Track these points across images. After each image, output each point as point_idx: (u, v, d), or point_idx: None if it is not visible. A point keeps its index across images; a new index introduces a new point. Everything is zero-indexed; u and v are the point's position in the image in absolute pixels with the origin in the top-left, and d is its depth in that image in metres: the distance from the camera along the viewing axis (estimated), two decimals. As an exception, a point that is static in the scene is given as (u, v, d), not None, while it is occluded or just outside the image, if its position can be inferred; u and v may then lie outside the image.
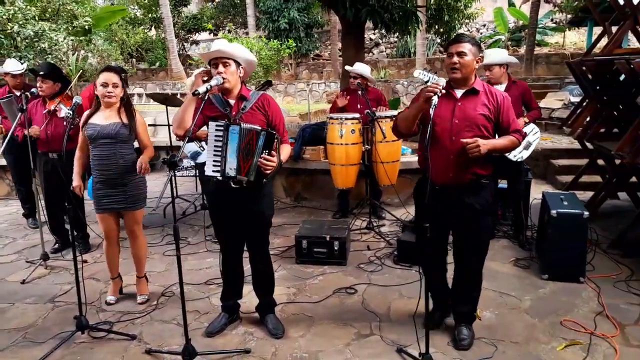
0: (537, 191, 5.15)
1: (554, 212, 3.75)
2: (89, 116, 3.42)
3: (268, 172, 2.84)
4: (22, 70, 5.29)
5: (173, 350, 2.97)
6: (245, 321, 3.36)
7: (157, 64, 20.56)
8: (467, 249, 2.98)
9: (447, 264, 3.18)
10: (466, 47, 2.74)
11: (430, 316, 3.07)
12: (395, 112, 5.24)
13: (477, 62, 2.80)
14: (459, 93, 2.84)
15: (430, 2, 14.98)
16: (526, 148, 4.39)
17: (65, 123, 3.31)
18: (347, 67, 5.56)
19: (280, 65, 17.13)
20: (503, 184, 4.74)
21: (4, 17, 7.29)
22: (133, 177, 3.46)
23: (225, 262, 3.24)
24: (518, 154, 4.38)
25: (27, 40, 7.58)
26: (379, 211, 5.57)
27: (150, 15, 20.74)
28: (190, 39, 22.81)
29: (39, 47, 7.60)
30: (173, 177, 2.80)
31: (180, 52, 20.88)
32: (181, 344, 2.88)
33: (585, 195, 5.58)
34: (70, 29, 8.84)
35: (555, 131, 8.48)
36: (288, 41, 15.97)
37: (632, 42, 9.82)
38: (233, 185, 2.91)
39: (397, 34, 7.39)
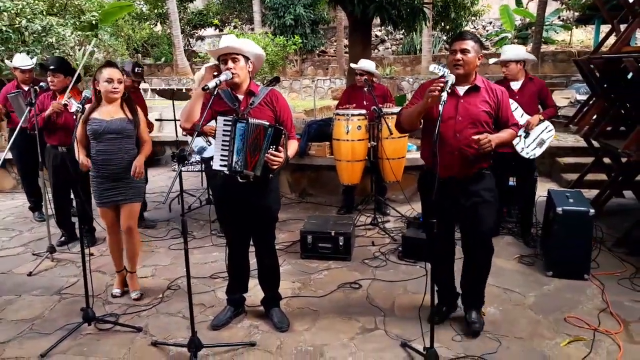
0: (542, 189, 5.15)
1: (559, 209, 3.75)
2: (90, 111, 3.43)
3: (275, 167, 2.86)
4: (30, 66, 5.31)
5: (179, 343, 3.00)
6: (251, 314, 3.38)
7: (163, 59, 20.61)
8: (472, 239, 3.02)
9: (454, 260, 3.20)
10: (469, 45, 2.79)
11: (437, 310, 3.11)
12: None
13: (480, 59, 2.85)
14: (461, 90, 2.89)
15: (437, -2, 14.93)
16: (539, 145, 4.38)
17: (75, 117, 3.32)
18: (353, 65, 5.57)
19: (286, 61, 17.13)
20: (513, 181, 4.73)
21: (12, 11, 7.31)
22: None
23: (231, 256, 3.26)
24: (531, 151, 4.37)
25: (34, 35, 7.60)
26: (384, 207, 5.58)
27: (156, 10, 20.77)
28: (196, 34, 22.86)
29: (46, 42, 7.61)
30: (180, 171, 2.81)
31: (186, 48, 20.94)
32: (187, 337, 2.91)
33: (591, 194, 5.57)
34: (78, 24, 8.85)
35: (561, 129, 8.43)
36: (294, 37, 15.95)
37: None
38: (240, 180, 2.93)
39: (404, 30, 7.36)
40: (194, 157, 7.15)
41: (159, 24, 21.65)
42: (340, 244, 4.28)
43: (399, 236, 4.65)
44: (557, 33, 18.69)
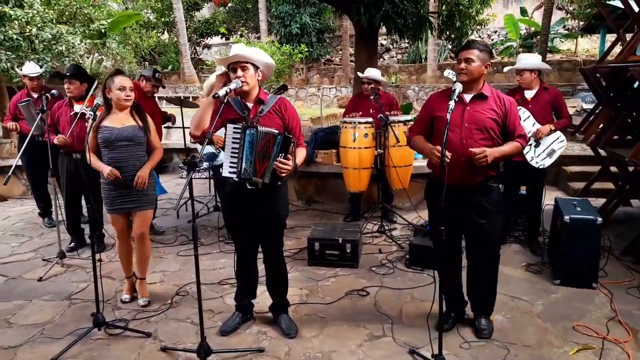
0: (549, 197, 5.14)
1: (567, 217, 3.76)
2: (101, 119, 3.47)
3: (283, 175, 2.88)
4: (39, 73, 5.37)
5: (188, 348, 3.02)
6: (259, 321, 3.40)
7: (170, 67, 20.77)
8: (479, 250, 3.04)
9: (461, 267, 3.21)
10: (474, 54, 2.84)
11: (445, 318, 3.11)
12: (408, 117, 5.29)
13: (486, 67, 2.88)
14: (467, 97, 2.92)
15: (442, 8, 15.01)
16: (549, 155, 4.37)
17: (87, 124, 3.37)
18: (359, 74, 5.60)
19: (292, 69, 17.23)
20: (523, 190, 4.73)
21: (23, 20, 7.40)
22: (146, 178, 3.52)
23: (240, 262, 3.28)
24: (540, 161, 4.36)
25: (44, 43, 7.69)
26: (391, 215, 5.59)
27: (163, 19, 20.96)
28: (203, 42, 23.04)
29: (56, 50, 7.70)
30: (191, 178, 2.84)
31: (193, 56, 21.11)
32: (195, 342, 2.94)
33: (598, 202, 5.57)
34: (87, 32, 8.95)
35: (567, 138, 8.40)
36: (300, 46, 16.07)
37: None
38: (248, 187, 2.96)
39: (409, 39, 7.42)
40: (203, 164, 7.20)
41: (166, 32, 21.84)
42: (348, 251, 4.30)
43: (406, 244, 4.66)
44: (563, 42, 18.73)
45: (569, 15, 17.33)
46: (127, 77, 3.49)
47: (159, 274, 4.23)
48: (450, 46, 18.97)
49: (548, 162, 4.39)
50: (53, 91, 4.46)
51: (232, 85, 2.82)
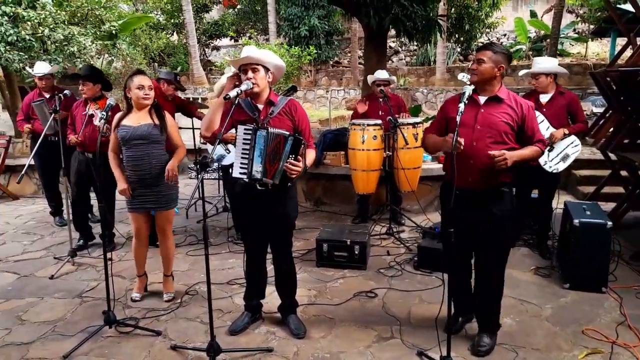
0: (558, 201, 5.13)
1: (576, 221, 3.75)
2: (121, 118, 3.53)
3: (294, 176, 2.90)
4: (43, 73, 5.38)
5: (198, 347, 3.04)
6: (268, 321, 3.42)
7: (179, 68, 20.87)
8: (487, 256, 2.99)
9: (471, 270, 3.18)
10: (486, 55, 2.81)
11: (453, 321, 3.11)
12: (417, 119, 5.29)
13: (500, 69, 2.81)
14: (482, 99, 2.88)
15: (451, 10, 15.00)
16: (563, 160, 4.33)
17: (99, 125, 3.41)
18: (370, 77, 5.60)
19: (300, 71, 17.28)
20: (535, 194, 4.71)
21: (35, 21, 7.48)
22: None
23: (249, 262, 3.31)
24: (554, 165, 4.34)
25: (56, 44, 7.77)
26: (399, 217, 5.60)
27: (172, 20, 21.08)
28: (212, 44, 23.14)
29: (68, 51, 7.77)
30: (202, 179, 2.88)
31: (202, 57, 21.20)
32: (205, 341, 2.96)
33: (608, 206, 5.54)
34: (98, 33, 9.03)
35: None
36: (309, 48, 16.11)
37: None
38: (258, 188, 2.98)
39: (418, 42, 7.43)
40: (213, 165, 7.24)
41: (175, 33, 21.96)
42: (356, 252, 4.31)
43: (415, 246, 4.67)
44: (573, 45, 18.64)
45: (579, 18, 17.25)
46: (147, 76, 3.53)
47: (168, 274, 4.26)
48: (459, 49, 18.94)
49: (562, 166, 4.35)
50: (66, 91, 4.52)
51: (243, 87, 2.85)
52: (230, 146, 4.55)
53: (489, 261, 2.99)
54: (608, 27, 12.40)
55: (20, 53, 7.06)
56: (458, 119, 2.67)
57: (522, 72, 4.80)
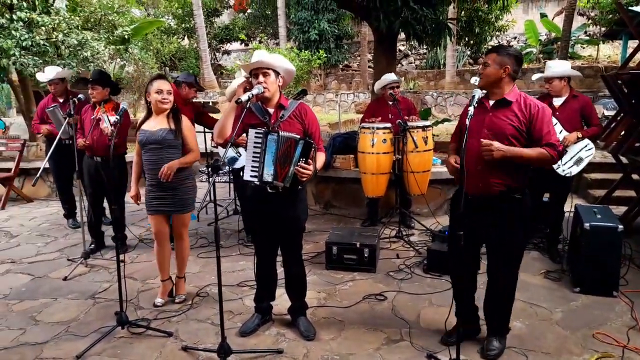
0: (569, 205, 5.10)
1: (587, 225, 3.73)
2: (142, 122, 3.59)
3: (304, 179, 2.94)
4: (50, 79, 5.44)
5: (209, 348, 3.08)
6: (278, 323, 3.44)
7: (190, 72, 21.03)
8: (497, 261, 2.97)
9: (476, 278, 3.14)
10: (491, 58, 2.80)
11: (450, 332, 3.12)
12: (426, 123, 5.30)
13: (505, 71, 2.76)
14: (490, 103, 2.85)
15: (461, 14, 14.97)
16: (577, 164, 4.31)
17: (112, 128, 3.46)
18: (378, 83, 5.60)
19: (310, 75, 17.35)
20: (547, 197, 4.69)
21: (49, 26, 7.61)
22: (182, 181, 3.58)
23: (260, 265, 3.34)
24: (567, 169, 4.31)
25: (70, 49, 7.89)
26: (408, 220, 5.61)
27: (183, 25, 21.30)
28: (222, 48, 23.34)
29: (81, 56, 7.89)
30: (214, 181, 2.93)
31: (213, 62, 21.37)
32: (215, 343, 2.99)
33: (619, 210, 5.50)
34: (111, 38, 9.15)
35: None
36: (318, 52, 16.17)
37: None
38: (269, 190, 3.01)
39: (428, 45, 7.44)
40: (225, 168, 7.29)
41: (186, 38, 22.17)
42: (365, 255, 4.33)
43: (424, 249, 4.67)
44: (584, 48, 18.51)
45: (590, 21, 17.14)
46: (166, 81, 3.57)
47: (179, 276, 4.31)
48: (469, 52, 18.90)
49: (575, 170, 4.32)
50: (80, 95, 4.59)
51: (255, 91, 2.89)
52: (241, 149, 4.59)
53: (499, 266, 2.97)
54: (619, 30, 12.27)
55: (35, 58, 7.18)
56: (468, 122, 2.68)
57: (535, 77, 4.76)
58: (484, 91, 2.84)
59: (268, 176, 2.95)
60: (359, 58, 20.96)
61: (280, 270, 3.41)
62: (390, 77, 5.47)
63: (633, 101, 5.36)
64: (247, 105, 2.88)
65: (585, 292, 3.80)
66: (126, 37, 9.60)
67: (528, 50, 18.53)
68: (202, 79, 19.50)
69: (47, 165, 4.58)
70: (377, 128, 5.10)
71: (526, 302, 3.68)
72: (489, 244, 3.00)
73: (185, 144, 3.62)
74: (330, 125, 12.51)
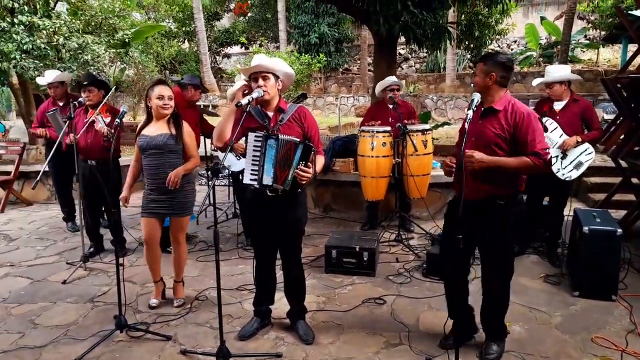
0: (567, 208, 5.11)
1: (586, 228, 3.74)
2: (142, 127, 3.59)
3: (304, 182, 2.95)
4: (49, 82, 5.44)
5: (207, 352, 3.07)
6: (277, 326, 3.44)
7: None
8: (487, 267, 3.00)
9: (466, 283, 3.13)
10: (478, 67, 2.86)
11: (446, 336, 3.14)
12: (426, 126, 5.31)
13: (491, 78, 2.79)
14: (481, 110, 2.88)
15: (461, 17, 15.01)
16: (577, 168, 4.32)
17: (113, 131, 3.48)
18: (379, 85, 5.60)
19: (310, 79, 17.37)
20: (546, 201, 4.69)
21: (50, 29, 7.62)
22: (183, 185, 3.59)
23: (259, 268, 3.34)
24: (567, 173, 4.32)
25: (71, 52, 7.90)
26: (408, 224, 5.60)
27: (184, 28, 21.33)
28: (223, 52, 23.35)
29: (82, 59, 7.90)
30: (214, 185, 2.94)
31: (213, 65, 21.40)
32: (214, 346, 2.99)
33: (618, 214, 5.50)
34: (111, 41, 9.17)
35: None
36: (319, 55, 16.20)
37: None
38: (269, 194, 3.02)
39: (428, 49, 7.49)
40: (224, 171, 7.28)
41: (186, 41, 22.20)
42: (365, 259, 4.33)
43: (423, 253, 4.67)
44: (584, 52, 18.54)
45: (590, 25, 17.15)
46: (167, 86, 3.58)
47: (178, 279, 4.31)
48: (469, 56, 18.91)
49: (575, 174, 4.33)
50: (80, 99, 4.58)
51: (254, 95, 2.90)
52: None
53: (490, 271, 2.99)
54: (619, 34, 12.30)
55: (35, 61, 7.19)
56: (466, 126, 2.69)
57: (535, 82, 4.77)
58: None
59: (268, 179, 2.96)
60: (359, 61, 20.98)
61: (279, 274, 3.41)
62: (391, 78, 5.48)
63: (632, 105, 5.37)
64: (247, 109, 2.89)
65: (584, 296, 3.80)
66: (127, 40, 9.63)
67: (528, 54, 18.57)
68: (202, 82, 19.50)
69: (47, 169, 4.58)
70: (377, 131, 5.10)
71: (525, 306, 3.68)
72: (480, 248, 3.03)
73: (185, 149, 3.64)
74: (330, 129, 12.52)
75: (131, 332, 3.34)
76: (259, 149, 2.95)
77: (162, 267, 3.86)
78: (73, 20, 8.17)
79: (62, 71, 6.33)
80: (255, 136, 2.96)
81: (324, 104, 18.25)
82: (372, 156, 5.13)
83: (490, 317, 3.06)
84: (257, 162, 2.96)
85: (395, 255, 4.81)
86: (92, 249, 4.92)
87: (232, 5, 22.63)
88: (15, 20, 7.08)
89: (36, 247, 5.27)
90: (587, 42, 18.51)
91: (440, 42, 6.89)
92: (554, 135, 4.34)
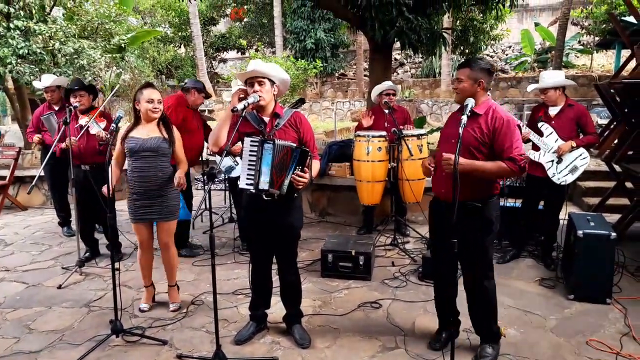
0: (563, 212, 5.14)
1: (580, 232, 3.76)
2: (129, 130, 3.59)
3: (300, 187, 2.96)
4: (46, 86, 5.44)
5: (203, 356, 3.07)
6: (273, 331, 3.44)
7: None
8: (468, 270, 3.04)
9: (455, 284, 3.17)
10: (463, 74, 2.87)
11: (437, 337, 3.19)
12: (421, 131, 5.34)
13: (480, 85, 2.85)
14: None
15: (456, 23, 15.10)
16: (572, 172, 4.34)
17: (109, 136, 3.48)
18: (375, 89, 5.63)
19: (306, 84, 17.42)
20: (541, 205, 4.72)
21: (46, 34, 7.63)
22: (170, 189, 3.60)
23: (255, 273, 3.34)
24: (562, 177, 4.34)
25: (66, 57, 7.91)
26: (404, 228, 5.62)
27: (180, 33, 21.38)
28: (219, 57, 23.40)
29: (78, 64, 7.92)
30: (210, 189, 2.94)
31: (209, 70, 21.43)
32: (210, 351, 2.99)
33: (613, 218, 5.54)
34: (107, 46, 9.19)
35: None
36: (315, 61, 16.26)
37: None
38: (265, 198, 3.03)
39: (423, 54, 7.52)
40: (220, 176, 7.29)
41: (182, 46, 22.24)
42: (361, 263, 4.33)
43: (419, 257, 4.68)
44: (578, 57, 18.68)
45: (584, 30, 17.29)
46: (156, 89, 3.58)
47: (174, 284, 4.30)
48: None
49: (570, 178, 4.36)
50: (75, 103, 4.59)
51: (250, 100, 2.91)
52: (238, 158, 4.59)
53: (470, 273, 3.03)
54: (613, 39, 12.45)
55: (31, 66, 7.20)
56: (461, 130, 2.68)
57: (530, 88, 4.81)
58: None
59: (264, 184, 2.96)
60: (354, 66, 21.05)
61: (275, 278, 3.41)
62: (387, 83, 5.51)
63: (626, 110, 5.42)
64: (243, 114, 2.91)
65: (579, 299, 3.82)
66: (123, 45, 9.65)
67: (523, 59, 18.69)
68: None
69: (42, 174, 4.58)
70: (373, 136, 5.13)
71: (521, 310, 3.70)
72: (462, 251, 2.99)
73: (175, 153, 3.66)
74: (326, 133, 12.55)
75: (127, 336, 3.33)
76: (255, 153, 2.96)
77: (158, 271, 3.85)
78: (69, 25, 8.18)
79: (58, 76, 6.33)
80: (252, 141, 2.97)
81: (320, 108, 18.30)
82: (367, 161, 5.15)
83: (482, 320, 3.09)
84: (253, 167, 2.96)
85: (391, 259, 4.82)
86: (87, 253, 4.91)
87: (228, 11, 22.68)
88: (11, 25, 7.09)
89: (31, 252, 5.25)
90: (581, 47, 18.65)
91: (435, 48, 6.91)
92: (549, 140, 4.37)
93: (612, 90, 5.46)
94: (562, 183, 4.37)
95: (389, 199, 5.60)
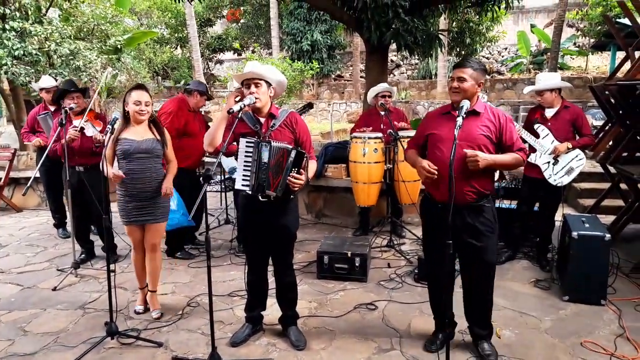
0: (558, 214, 5.15)
1: (575, 234, 3.77)
2: (120, 132, 3.56)
3: (296, 189, 2.96)
4: (54, 86, 5.47)
5: (199, 358, 3.07)
6: (268, 332, 3.44)
7: (182, 82, 21.07)
8: (472, 272, 3.03)
9: (452, 286, 3.17)
10: (467, 73, 2.84)
11: (433, 339, 3.19)
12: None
13: (480, 86, 2.88)
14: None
15: (452, 25, 15.15)
16: (568, 173, 4.36)
17: (106, 137, 3.46)
18: (371, 91, 5.64)
19: (302, 85, 17.43)
20: (537, 207, 4.73)
21: (42, 35, 7.62)
22: (160, 192, 3.59)
23: (251, 274, 3.34)
24: (559, 179, 4.36)
25: (62, 58, 7.90)
26: (400, 229, 5.63)
27: (176, 34, 21.35)
28: (215, 58, 23.38)
29: (74, 65, 7.90)
30: (205, 190, 2.93)
31: (205, 71, 21.41)
32: (206, 353, 2.99)
33: (607, 219, 5.56)
34: (103, 47, 9.18)
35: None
36: (311, 62, 16.27)
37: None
38: (261, 199, 3.03)
39: (419, 56, 7.55)
40: (216, 177, 7.28)
41: (179, 47, 22.21)
42: (357, 264, 4.34)
43: (415, 258, 4.69)
44: (573, 59, 18.78)
45: (579, 32, 17.39)
46: (146, 91, 3.56)
47: (170, 285, 4.30)
48: (460, 62, 19.07)
49: (566, 179, 4.37)
50: (72, 105, 4.58)
51: (247, 101, 2.91)
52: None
53: (476, 275, 3.02)
54: (608, 41, 12.49)
55: (27, 67, 7.18)
56: (456, 132, 2.68)
57: (526, 90, 4.82)
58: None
59: (260, 186, 2.96)
60: (351, 68, 21.10)
61: (271, 280, 3.41)
62: (382, 85, 5.53)
63: (621, 111, 5.44)
64: (239, 115, 2.91)
65: (573, 300, 3.83)
66: (119, 46, 9.64)
67: (519, 60, 18.77)
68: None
69: (38, 175, 4.57)
70: (369, 138, 5.14)
71: (516, 311, 3.71)
72: (463, 253, 3.02)
73: (165, 155, 3.66)
74: (323, 135, 12.56)
75: (122, 338, 3.32)
76: (250, 154, 2.96)
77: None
78: (65, 27, 8.17)
79: (54, 77, 6.32)
80: (247, 142, 2.97)
81: (317, 110, 18.30)
82: (364, 162, 5.16)
83: (479, 320, 3.10)
84: (249, 168, 2.96)
85: (387, 261, 4.83)
86: (83, 255, 4.90)
87: (224, 12, 22.68)
88: (7, 26, 7.08)
89: (26, 254, 5.23)
90: (577, 49, 18.74)
91: (432, 49, 6.94)
92: (545, 141, 4.39)
93: (606, 92, 5.49)
94: (558, 184, 4.38)
95: (385, 201, 5.61)
